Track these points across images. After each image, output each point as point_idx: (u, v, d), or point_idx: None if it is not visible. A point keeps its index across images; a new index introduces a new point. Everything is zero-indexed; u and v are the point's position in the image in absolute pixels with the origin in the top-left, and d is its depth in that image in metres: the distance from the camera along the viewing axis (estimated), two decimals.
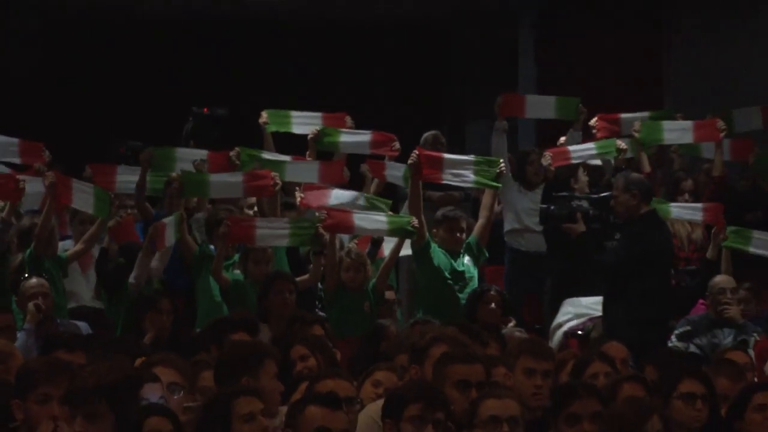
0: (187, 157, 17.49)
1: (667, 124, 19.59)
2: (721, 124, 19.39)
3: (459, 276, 16.20)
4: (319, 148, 18.34)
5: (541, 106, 18.95)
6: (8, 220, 16.45)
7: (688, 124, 19.56)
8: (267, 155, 17.66)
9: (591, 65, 24.07)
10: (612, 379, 10.94)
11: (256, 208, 17.56)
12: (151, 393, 9.36)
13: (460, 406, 9.63)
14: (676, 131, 19.48)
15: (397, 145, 17.77)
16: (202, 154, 17.70)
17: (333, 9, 25.12)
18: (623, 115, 19.24)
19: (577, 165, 18.25)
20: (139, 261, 15.93)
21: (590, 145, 18.39)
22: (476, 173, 16.66)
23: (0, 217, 16.54)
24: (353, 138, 18.04)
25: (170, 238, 16.27)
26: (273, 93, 19.68)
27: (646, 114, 19.79)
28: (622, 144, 18.37)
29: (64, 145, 17.79)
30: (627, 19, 25.04)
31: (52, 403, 9.19)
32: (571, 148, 18.25)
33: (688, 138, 19.45)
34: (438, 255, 16.36)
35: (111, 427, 8.50)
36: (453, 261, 16.38)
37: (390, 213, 16.75)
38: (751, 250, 16.73)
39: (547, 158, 17.85)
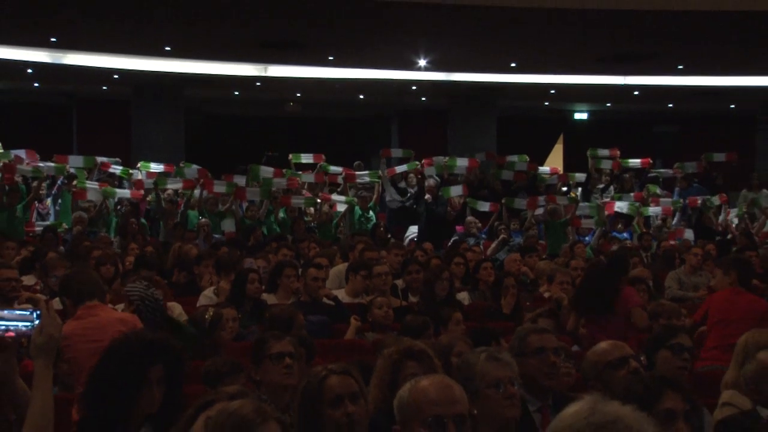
0: (266, 172, 16.86)
1: (459, 158, 17.89)
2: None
3: (368, 217, 16.04)
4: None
5: (397, 155, 18.66)
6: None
7: (465, 159, 17.90)
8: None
9: (416, 139, 22.21)
10: (427, 257, 10.32)
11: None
12: (251, 263, 9.08)
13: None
14: (461, 163, 17.75)
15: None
16: (269, 170, 17.05)
17: (322, 112, 24.17)
18: (434, 158, 18.45)
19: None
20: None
21: (433, 168, 17.08)
22: (369, 177, 16.80)
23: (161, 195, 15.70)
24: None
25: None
26: (297, 146, 19.22)
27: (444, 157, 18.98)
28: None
29: (215, 169, 17.25)
30: (431, 119, 23.67)
31: (210, 267, 9.41)
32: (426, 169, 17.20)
33: (464, 166, 17.66)
34: (357, 212, 15.93)
35: (232, 278, 8.37)
36: (367, 212, 16.15)
37: (346, 195, 16.47)
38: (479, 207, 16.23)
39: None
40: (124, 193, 15.83)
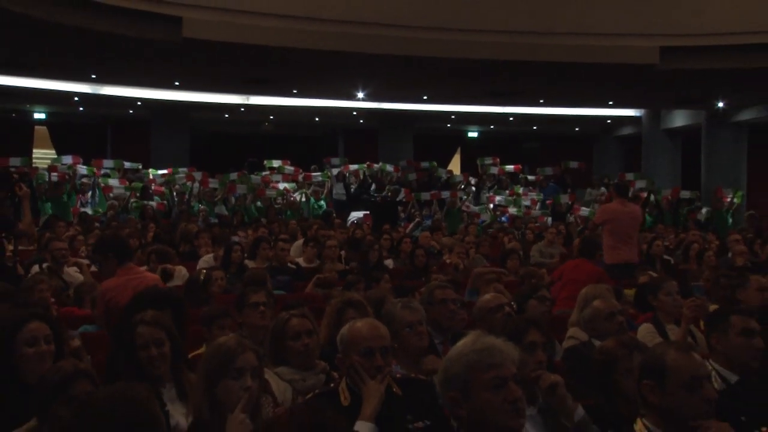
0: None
1: (387, 165, 17.83)
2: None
3: (320, 205, 15.74)
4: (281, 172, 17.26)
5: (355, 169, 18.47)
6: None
7: (391, 166, 17.79)
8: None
9: (356, 150, 21.75)
10: (363, 234, 10.35)
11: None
12: (236, 237, 9.03)
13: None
14: (388, 168, 17.63)
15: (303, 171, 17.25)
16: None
17: (289, 130, 23.82)
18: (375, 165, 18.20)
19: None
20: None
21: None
22: (321, 177, 16.63)
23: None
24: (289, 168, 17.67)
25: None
26: (270, 155, 18.97)
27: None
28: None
29: (212, 170, 16.93)
30: (367, 135, 23.34)
31: (206, 240, 9.15)
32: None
33: (391, 171, 17.60)
34: (314, 203, 15.88)
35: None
36: (319, 203, 15.99)
37: (305, 189, 16.36)
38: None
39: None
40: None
